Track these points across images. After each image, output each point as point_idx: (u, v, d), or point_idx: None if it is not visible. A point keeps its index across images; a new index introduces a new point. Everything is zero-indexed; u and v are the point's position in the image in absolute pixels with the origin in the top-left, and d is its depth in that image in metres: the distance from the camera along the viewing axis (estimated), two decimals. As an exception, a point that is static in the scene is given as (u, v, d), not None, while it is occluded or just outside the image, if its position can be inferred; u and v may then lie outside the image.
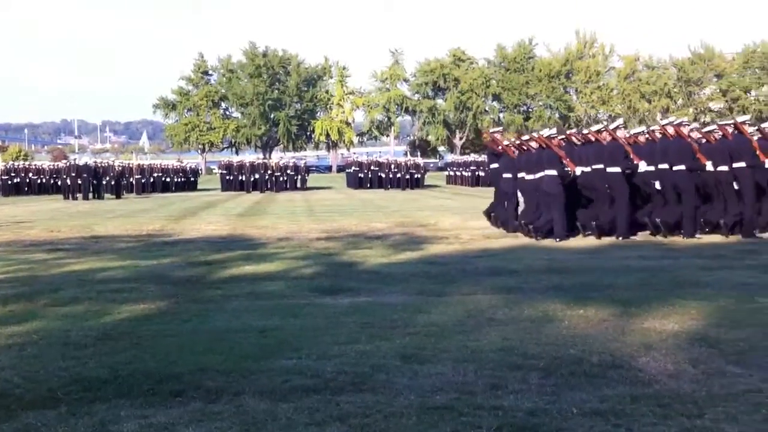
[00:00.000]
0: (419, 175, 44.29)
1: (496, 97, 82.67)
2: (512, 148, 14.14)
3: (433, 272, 9.11)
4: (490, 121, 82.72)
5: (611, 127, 12.97)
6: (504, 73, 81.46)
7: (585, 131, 13.50)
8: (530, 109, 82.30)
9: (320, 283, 8.44)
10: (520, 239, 12.75)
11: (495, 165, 15.36)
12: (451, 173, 50.28)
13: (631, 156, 12.31)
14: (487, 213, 15.60)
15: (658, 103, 78.73)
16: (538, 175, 12.73)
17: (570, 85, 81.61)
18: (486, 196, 27.86)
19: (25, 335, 5.97)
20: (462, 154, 70.23)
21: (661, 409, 4.02)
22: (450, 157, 69.45)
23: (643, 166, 12.24)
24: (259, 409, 4.12)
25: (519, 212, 13.73)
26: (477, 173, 45.14)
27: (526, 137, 14.05)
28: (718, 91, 79.04)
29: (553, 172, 12.45)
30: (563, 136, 13.39)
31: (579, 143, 13.16)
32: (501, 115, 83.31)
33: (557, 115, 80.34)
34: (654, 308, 6.59)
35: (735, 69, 78.04)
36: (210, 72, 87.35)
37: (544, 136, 13.09)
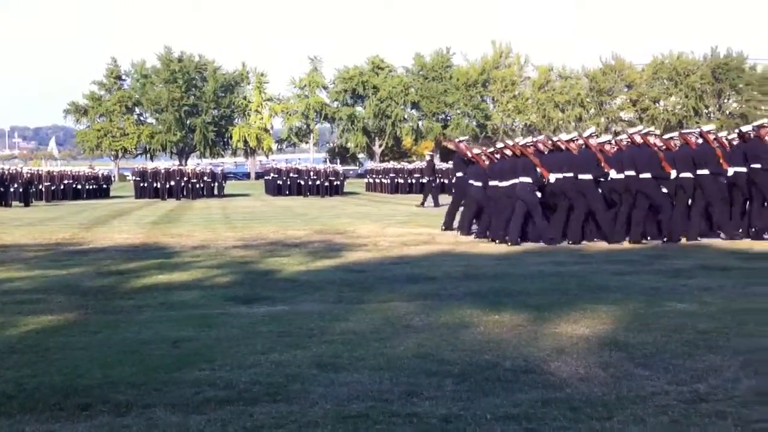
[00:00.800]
0: (338, 182, 44.23)
1: (415, 105, 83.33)
2: (483, 156, 14.29)
3: (351, 280, 9.10)
4: (409, 129, 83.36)
5: (585, 134, 13.29)
6: (422, 82, 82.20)
7: (555, 139, 13.74)
8: (448, 118, 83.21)
9: (236, 292, 8.33)
10: (438, 246, 12.87)
11: (460, 174, 15.63)
12: (371, 180, 50.36)
13: (603, 164, 12.62)
14: (448, 225, 15.69)
15: (571, 113, 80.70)
16: (510, 182, 12.93)
17: (487, 94, 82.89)
18: (404, 202, 28.06)
19: (-77, 350, 5.70)
20: (381, 161, 70.42)
21: (571, 412, 4.10)
22: (369, 165, 69.60)
23: (613, 174, 12.60)
24: (171, 422, 4.03)
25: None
26: (396, 180, 45.36)
27: (500, 145, 14.24)
28: (628, 101, 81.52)
29: (528, 180, 12.65)
30: (531, 144, 13.55)
31: (547, 151, 13.40)
32: (420, 122, 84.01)
33: (474, 124, 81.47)
34: (566, 313, 6.73)
35: (645, 80, 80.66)
36: (123, 77, 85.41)
37: (520, 144, 13.29)
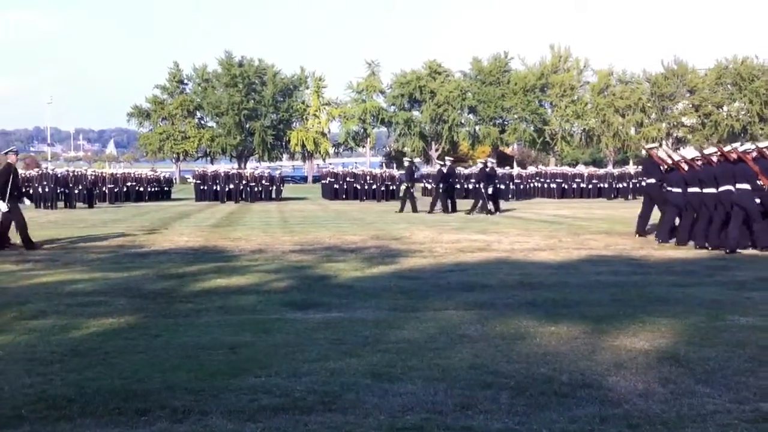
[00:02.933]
0: (395, 187, 44.28)
1: (472, 110, 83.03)
2: (683, 163, 14.24)
3: (406, 287, 9.09)
4: (465, 134, 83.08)
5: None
6: (480, 86, 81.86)
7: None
8: (506, 122, 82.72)
9: (292, 297, 8.39)
10: (493, 253, 12.78)
11: (652, 180, 15.76)
12: (427, 185, 50.30)
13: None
14: (641, 230, 15.71)
15: (631, 118, 79.49)
16: (724, 189, 12.90)
17: (545, 99, 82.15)
18: (459, 208, 27.92)
19: (-10, 350, 5.86)
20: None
21: (630, 430, 4.02)
22: (426, 169, 69.52)
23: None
24: (226, 429, 4.07)
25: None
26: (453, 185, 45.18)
27: (707, 151, 14.19)
28: (690, 106, 79.93)
29: (746, 186, 12.60)
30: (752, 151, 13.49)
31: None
32: (477, 127, 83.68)
33: (532, 128, 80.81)
34: (625, 326, 6.62)
35: (707, 84, 78.99)
36: (185, 81, 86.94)
37: (740, 150, 13.23)
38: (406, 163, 33.69)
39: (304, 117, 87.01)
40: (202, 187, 42.43)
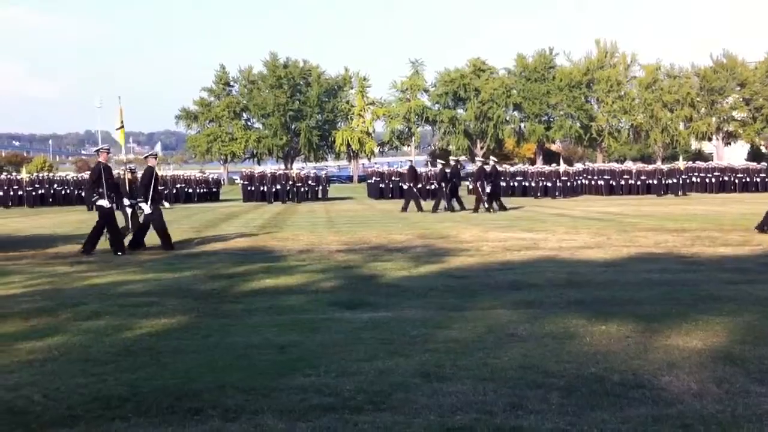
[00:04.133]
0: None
1: (517, 107, 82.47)
2: None
3: (454, 286, 9.07)
4: (511, 131, 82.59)
5: None
6: (524, 83, 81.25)
7: None
8: (551, 119, 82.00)
9: (340, 297, 8.43)
10: (541, 252, 12.68)
11: None
12: (471, 184, 50.09)
13: None
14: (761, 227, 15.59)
15: (680, 113, 78.21)
16: None
17: (591, 95, 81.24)
18: (508, 206, 27.74)
19: (46, 351, 6.00)
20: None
21: (683, 430, 3.97)
22: (470, 167, 69.26)
23: None
24: (278, 428, 4.11)
25: None
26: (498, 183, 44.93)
27: None
28: (741, 99, 78.34)
29: None
30: None
31: None
32: (522, 124, 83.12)
33: (578, 125, 79.98)
34: (677, 324, 6.52)
35: (758, 78, 77.31)
36: (231, 83, 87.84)
37: None
38: (408, 164, 34.02)
39: (348, 117, 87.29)
40: (249, 188, 42.82)
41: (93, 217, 14.93)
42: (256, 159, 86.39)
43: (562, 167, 43.68)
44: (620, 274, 9.89)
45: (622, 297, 8.04)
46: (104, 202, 13.83)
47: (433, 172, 29.45)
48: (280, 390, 4.80)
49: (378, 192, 43.61)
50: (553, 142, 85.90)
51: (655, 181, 44.05)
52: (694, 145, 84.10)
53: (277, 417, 4.28)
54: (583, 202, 34.64)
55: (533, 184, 42.81)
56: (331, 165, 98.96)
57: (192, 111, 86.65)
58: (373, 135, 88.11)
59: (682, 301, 7.75)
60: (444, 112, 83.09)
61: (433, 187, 33.11)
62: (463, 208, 27.36)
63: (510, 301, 7.89)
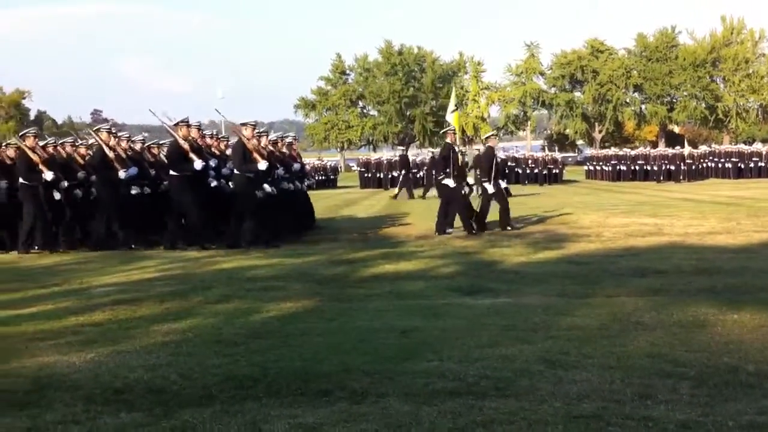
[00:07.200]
0: (557, 170, 43.45)
1: (638, 88, 79.88)
2: None
3: (575, 272, 8.94)
4: (631, 113, 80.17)
5: None
6: (645, 63, 78.53)
7: None
8: (674, 100, 79.04)
9: (459, 282, 8.45)
10: (666, 237, 12.30)
11: None
12: (591, 168, 49.03)
13: None
14: None
15: (815, 90, 73.90)
16: None
17: (717, 74, 77.77)
18: (627, 190, 27.03)
19: (181, 333, 6.28)
20: (602, 147, 68.24)
21: (826, 424, 3.79)
22: (589, 151, 67.70)
23: None
24: (403, 411, 4.17)
25: None
26: (618, 167, 43.77)
27: None
28: None
29: None
30: None
31: None
32: (643, 106, 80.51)
33: (703, 106, 76.80)
34: (816, 314, 6.21)
35: None
36: (347, 72, 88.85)
37: None
38: (399, 152, 36.32)
39: (463, 102, 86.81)
40: (366, 175, 43.38)
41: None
42: (371, 146, 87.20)
43: (687, 150, 42.12)
44: (752, 260, 9.49)
45: (754, 284, 7.73)
46: (449, 182, 14.14)
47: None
48: (405, 374, 4.87)
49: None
50: (677, 124, 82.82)
51: (788, 163, 41.85)
52: (831, 124, 79.32)
53: (402, 400, 4.35)
54: (710, 186, 33.33)
55: (655, 168, 41.48)
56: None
57: (310, 100, 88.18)
58: (488, 120, 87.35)
59: (821, 289, 7.38)
60: (560, 95, 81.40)
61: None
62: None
63: (635, 289, 7.71)
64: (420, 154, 53.80)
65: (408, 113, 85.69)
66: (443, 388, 4.55)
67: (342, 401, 4.37)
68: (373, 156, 53.07)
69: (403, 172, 30.99)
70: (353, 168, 68.81)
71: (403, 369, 4.98)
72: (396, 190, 30.77)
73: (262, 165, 12.48)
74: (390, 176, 41.64)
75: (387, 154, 54.69)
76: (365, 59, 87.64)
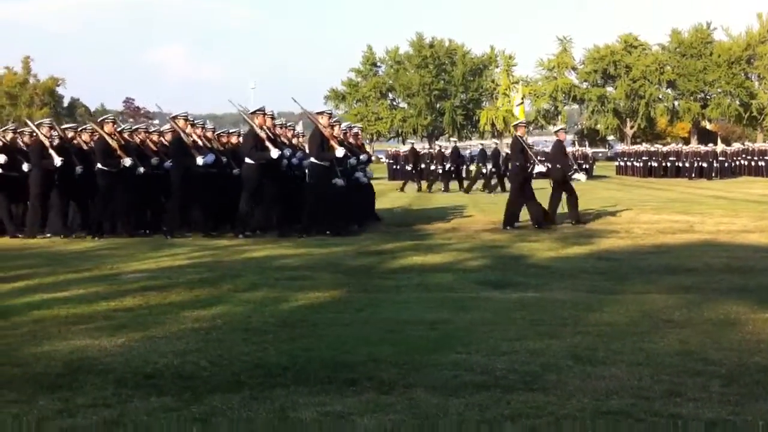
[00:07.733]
0: (587, 166, 43.11)
1: (671, 84, 79.02)
2: None
3: (604, 268, 8.89)
4: (663, 110, 79.33)
5: None
6: (679, 59, 77.63)
7: None
8: (708, 97, 78.08)
9: (487, 276, 8.44)
10: (697, 235, 12.18)
11: None
12: (622, 163, 48.63)
13: None
14: None
15: None
16: None
17: (752, 71, 76.67)
18: (658, 186, 26.78)
19: (210, 320, 6.34)
20: (633, 143, 67.64)
21: None
22: (620, 147, 67.12)
23: None
24: (431, 403, 4.18)
25: None
26: (649, 163, 43.35)
27: None
28: None
29: None
30: None
31: None
32: (676, 102, 79.61)
33: (738, 103, 75.75)
34: None
35: None
36: (378, 64, 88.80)
37: None
38: (407, 147, 37.20)
39: (493, 96, 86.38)
40: (395, 167, 43.34)
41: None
42: (401, 138, 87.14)
43: (720, 147, 41.62)
44: (785, 260, 9.37)
45: (787, 284, 7.63)
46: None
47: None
48: (432, 366, 4.88)
49: (523, 171, 43.05)
50: (710, 120, 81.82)
51: (823, 163, 41.17)
52: None
53: (429, 392, 4.36)
54: (742, 184, 32.92)
55: (687, 165, 41.05)
56: (474, 144, 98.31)
57: (340, 91, 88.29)
58: (526, 113, 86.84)
59: None
60: (592, 90, 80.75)
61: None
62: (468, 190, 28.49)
63: (665, 286, 7.66)
64: (446, 147, 53.76)
65: (438, 106, 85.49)
66: (471, 380, 4.56)
67: (369, 391, 4.39)
68: (402, 148, 52.99)
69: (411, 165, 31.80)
70: (382, 160, 68.87)
71: (431, 361, 4.99)
72: (424, 182, 31.08)
73: (340, 152, 12.54)
74: (419, 169, 41.52)
75: (416, 146, 54.61)
76: (396, 51, 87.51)
